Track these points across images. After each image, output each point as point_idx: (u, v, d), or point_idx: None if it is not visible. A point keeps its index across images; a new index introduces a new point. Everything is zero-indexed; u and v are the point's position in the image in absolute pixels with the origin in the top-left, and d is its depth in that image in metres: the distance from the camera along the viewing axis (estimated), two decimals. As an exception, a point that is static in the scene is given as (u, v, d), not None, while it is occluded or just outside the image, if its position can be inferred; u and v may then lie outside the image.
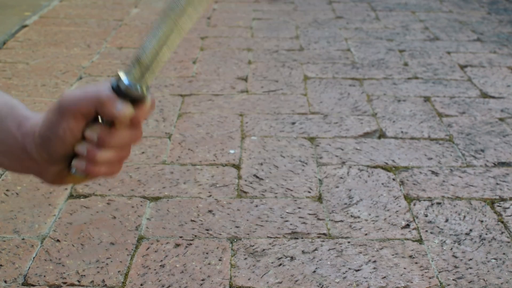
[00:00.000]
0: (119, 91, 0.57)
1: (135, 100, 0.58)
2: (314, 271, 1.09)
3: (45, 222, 1.21)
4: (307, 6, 2.97)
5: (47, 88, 1.87)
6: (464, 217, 1.26)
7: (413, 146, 1.56)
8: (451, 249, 1.16)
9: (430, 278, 1.08)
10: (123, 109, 0.57)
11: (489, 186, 1.37)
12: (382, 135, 1.62)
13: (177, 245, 1.15)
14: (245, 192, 1.33)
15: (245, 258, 1.12)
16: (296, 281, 1.06)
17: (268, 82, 1.97)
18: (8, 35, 2.36)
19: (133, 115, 0.58)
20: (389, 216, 1.26)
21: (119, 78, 0.58)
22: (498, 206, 1.30)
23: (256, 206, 1.28)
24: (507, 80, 2.03)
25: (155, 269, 1.08)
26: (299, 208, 1.28)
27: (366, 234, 1.20)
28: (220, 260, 1.11)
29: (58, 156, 0.61)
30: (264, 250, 1.14)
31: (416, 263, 1.12)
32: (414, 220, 1.25)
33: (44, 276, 1.06)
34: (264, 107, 1.77)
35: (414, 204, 1.30)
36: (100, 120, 0.60)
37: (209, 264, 1.10)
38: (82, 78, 1.96)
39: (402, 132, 1.64)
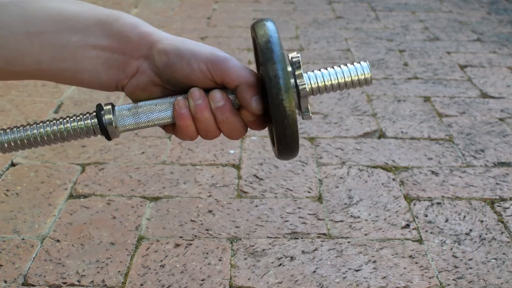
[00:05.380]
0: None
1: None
2: (314, 271, 1.09)
3: (45, 222, 1.21)
4: (307, 6, 2.97)
5: (47, 88, 1.87)
6: (464, 217, 1.26)
7: (413, 146, 1.56)
8: (451, 249, 1.16)
9: (430, 278, 1.08)
10: (257, 106, 0.58)
11: (489, 186, 1.37)
12: (382, 135, 1.62)
13: (177, 245, 1.15)
14: (245, 192, 1.33)
15: (245, 258, 1.12)
16: (296, 281, 1.06)
17: (268, 82, 1.97)
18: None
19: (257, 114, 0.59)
20: (389, 216, 1.26)
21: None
22: (498, 206, 1.30)
23: (256, 206, 1.28)
24: (507, 80, 2.03)
25: (155, 269, 1.08)
26: (299, 208, 1.28)
27: (366, 234, 1.20)
28: (220, 260, 1.11)
29: (169, 81, 0.61)
30: (264, 250, 1.15)
31: (416, 263, 1.12)
32: (414, 220, 1.25)
33: (44, 276, 1.06)
34: (264, 107, 1.76)
35: (414, 204, 1.30)
36: (228, 92, 0.60)
37: (209, 264, 1.10)
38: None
39: (402, 132, 1.64)
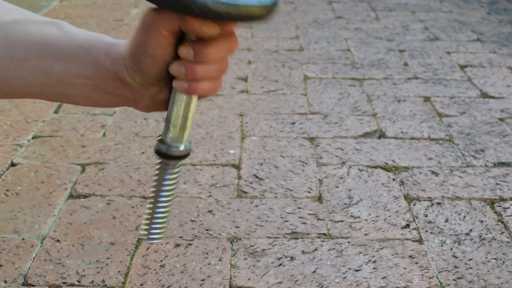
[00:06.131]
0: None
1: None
2: (314, 271, 1.09)
3: (45, 222, 1.21)
4: (307, 6, 2.97)
5: (47, 88, 1.86)
6: (464, 217, 1.26)
7: (413, 146, 1.56)
8: (451, 249, 1.16)
9: (430, 278, 1.08)
10: (207, 28, 0.55)
11: (489, 186, 1.37)
12: (382, 135, 1.62)
13: (177, 245, 1.15)
14: (245, 192, 1.33)
15: (245, 258, 1.12)
16: (296, 281, 1.06)
17: (268, 82, 1.97)
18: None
19: (220, 28, 0.55)
20: (389, 216, 1.26)
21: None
22: (498, 206, 1.30)
23: (256, 206, 1.28)
24: (507, 80, 2.03)
25: (155, 269, 1.08)
26: (299, 208, 1.28)
27: (366, 234, 1.20)
28: (220, 260, 1.11)
29: (152, 75, 0.58)
30: (264, 250, 1.15)
31: (416, 263, 1.12)
32: (414, 220, 1.25)
33: (44, 276, 1.06)
34: (264, 107, 1.77)
35: (414, 204, 1.30)
36: (188, 38, 0.57)
37: (209, 264, 1.10)
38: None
39: (402, 132, 1.64)
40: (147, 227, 0.64)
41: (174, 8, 0.54)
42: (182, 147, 0.60)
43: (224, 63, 0.58)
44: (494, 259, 1.13)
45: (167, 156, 0.60)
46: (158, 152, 0.60)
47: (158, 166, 0.62)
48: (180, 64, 0.57)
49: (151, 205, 0.64)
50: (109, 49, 0.60)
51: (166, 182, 0.62)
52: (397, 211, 1.28)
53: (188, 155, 0.62)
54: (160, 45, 0.56)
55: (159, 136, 0.61)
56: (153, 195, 0.63)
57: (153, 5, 0.56)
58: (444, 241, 1.18)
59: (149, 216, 0.64)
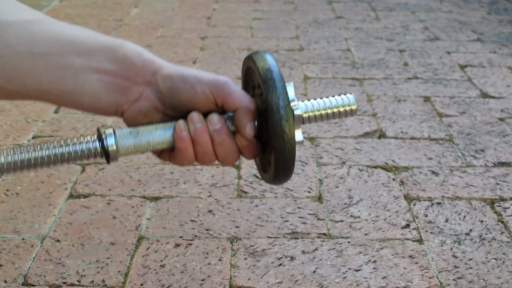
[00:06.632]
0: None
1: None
2: (314, 271, 1.09)
3: (45, 222, 1.21)
4: (307, 6, 2.97)
5: (47, 88, 1.86)
6: (464, 217, 1.26)
7: (413, 146, 1.56)
8: (451, 249, 1.16)
9: (430, 278, 1.08)
10: (250, 131, 0.62)
11: (489, 186, 1.37)
12: (382, 135, 1.62)
13: (177, 245, 1.15)
14: (245, 192, 1.33)
15: (245, 258, 1.12)
16: (296, 281, 1.06)
17: (268, 82, 1.97)
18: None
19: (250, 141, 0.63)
20: (389, 216, 1.26)
21: None
22: (498, 206, 1.30)
23: (256, 206, 1.28)
24: (507, 80, 2.03)
25: (155, 269, 1.08)
26: (299, 208, 1.28)
27: (366, 234, 1.20)
28: (220, 260, 1.11)
29: (172, 106, 0.63)
30: (264, 250, 1.15)
31: (416, 263, 1.12)
32: (414, 220, 1.25)
33: (44, 276, 1.06)
34: (264, 107, 1.76)
35: (414, 204, 1.30)
36: (224, 116, 0.64)
37: (209, 264, 1.10)
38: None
39: (402, 132, 1.64)
40: None
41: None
42: None
43: (210, 159, 0.65)
44: (494, 259, 1.13)
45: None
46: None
47: None
48: (199, 120, 0.63)
49: None
50: (142, 53, 0.63)
51: None
52: (397, 211, 1.28)
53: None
54: (201, 103, 0.63)
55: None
56: None
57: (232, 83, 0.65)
58: (444, 241, 1.18)
59: None
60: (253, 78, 0.66)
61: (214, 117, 0.63)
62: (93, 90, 0.62)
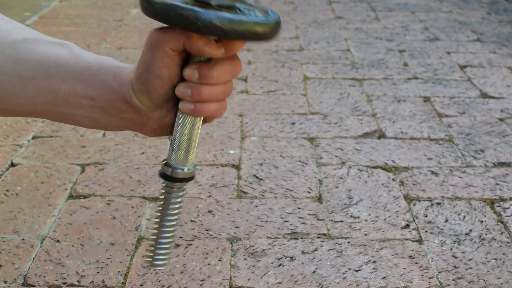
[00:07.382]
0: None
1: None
2: (314, 272, 1.09)
3: (45, 222, 1.21)
4: (307, 6, 2.97)
5: (47, 89, 1.86)
6: (464, 217, 1.26)
7: (413, 146, 1.56)
8: (451, 249, 1.16)
9: (430, 278, 1.08)
10: (210, 48, 0.56)
11: (489, 186, 1.38)
12: (382, 135, 1.62)
13: (177, 245, 1.15)
14: (245, 193, 1.33)
15: (245, 259, 1.12)
16: (296, 281, 1.06)
17: (268, 83, 1.97)
18: (8, 35, 2.36)
19: (224, 50, 0.57)
20: (389, 216, 1.26)
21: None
22: (498, 206, 1.30)
23: (256, 206, 1.28)
24: (507, 80, 2.03)
25: (155, 269, 1.08)
26: (299, 208, 1.28)
27: (366, 235, 1.20)
28: (220, 260, 1.11)
29: (159, 96, 0.59)
30: (264, 250, 1.15)
31: (416, 263, 1.12)
32: (414, 220, 1.25)
33: (44, 276, 1.06)
34: (264, 108, 1.77)
35: (414, 204, 1.30)
36: (193, 60, 0.58)
37: (209, 264, 1.10)
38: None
39: (402, 132, 1.64)
40: (152, 253, 0.64)
41: (179, 24, 0.54)
42: (186, 169, 0.61)
43: (229, 85, 0.59)
44: (494, 259, 1.13)
45: (172, 178, 0.61)
46: (163, 175, 0.61)
47: (163, 191, 0.62)
48: (186, 85, 0.58)
49: (156, 231, 0.63)
50: (116, 72, 0.61)
51: (171, 206, 0.63)
52: (397, 211, 1.28)
53: (192, 178, 0.62)
54: (166, 65, 0.57)
55: (164, 160, 0.61)
56: (158, 220, 0.63)
57: (159, 25, 0.57)
58: (444, 241, 1.18)
59: (154, 242, 0.64)
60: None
61: (187, 72, 0.57)
62: (89, 114, 0.61)
